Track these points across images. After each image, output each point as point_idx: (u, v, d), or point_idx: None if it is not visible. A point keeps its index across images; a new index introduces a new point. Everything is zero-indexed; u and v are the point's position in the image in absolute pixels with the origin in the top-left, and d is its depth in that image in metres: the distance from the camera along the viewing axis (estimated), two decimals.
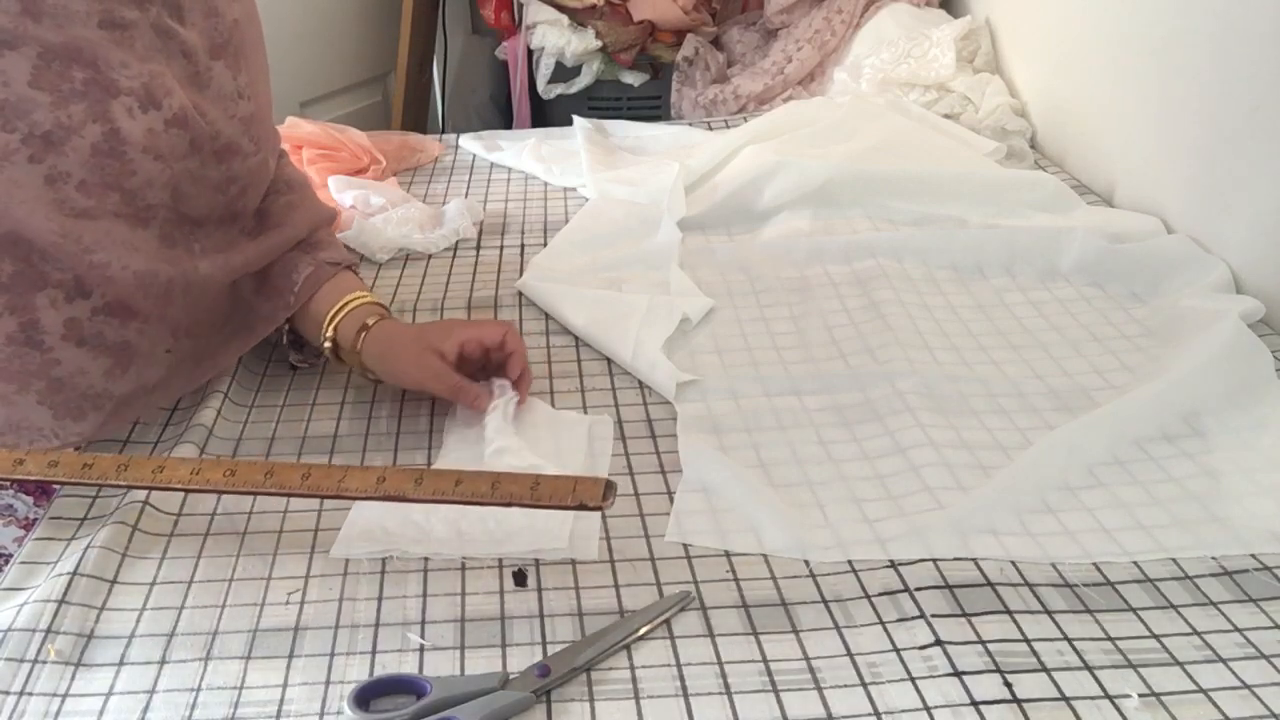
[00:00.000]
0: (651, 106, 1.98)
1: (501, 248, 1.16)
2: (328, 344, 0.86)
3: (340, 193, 1.21)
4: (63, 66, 0.69)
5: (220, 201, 0.82)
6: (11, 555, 0.77)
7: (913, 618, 0.64)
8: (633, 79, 1.97)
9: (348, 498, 0.69)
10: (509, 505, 0.67)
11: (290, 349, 0.92)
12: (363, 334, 0.85)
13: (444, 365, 0.83)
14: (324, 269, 0.88)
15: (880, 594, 0.66)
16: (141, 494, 0.74)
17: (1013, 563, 0.68)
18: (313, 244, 0.90)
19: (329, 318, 0.86)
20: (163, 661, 0.62)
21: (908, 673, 0.60)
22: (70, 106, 0.69)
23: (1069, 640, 0.62)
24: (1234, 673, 0.60)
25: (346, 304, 0.86)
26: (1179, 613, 0.64)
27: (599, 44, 1.90)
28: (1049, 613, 0.64)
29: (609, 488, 0.66)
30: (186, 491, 0.72)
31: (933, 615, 0.64)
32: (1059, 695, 0.58)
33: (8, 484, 0.80)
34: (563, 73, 1.95)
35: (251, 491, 0.70)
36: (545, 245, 1.15)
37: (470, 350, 0.84)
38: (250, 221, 0.86)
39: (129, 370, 0.79)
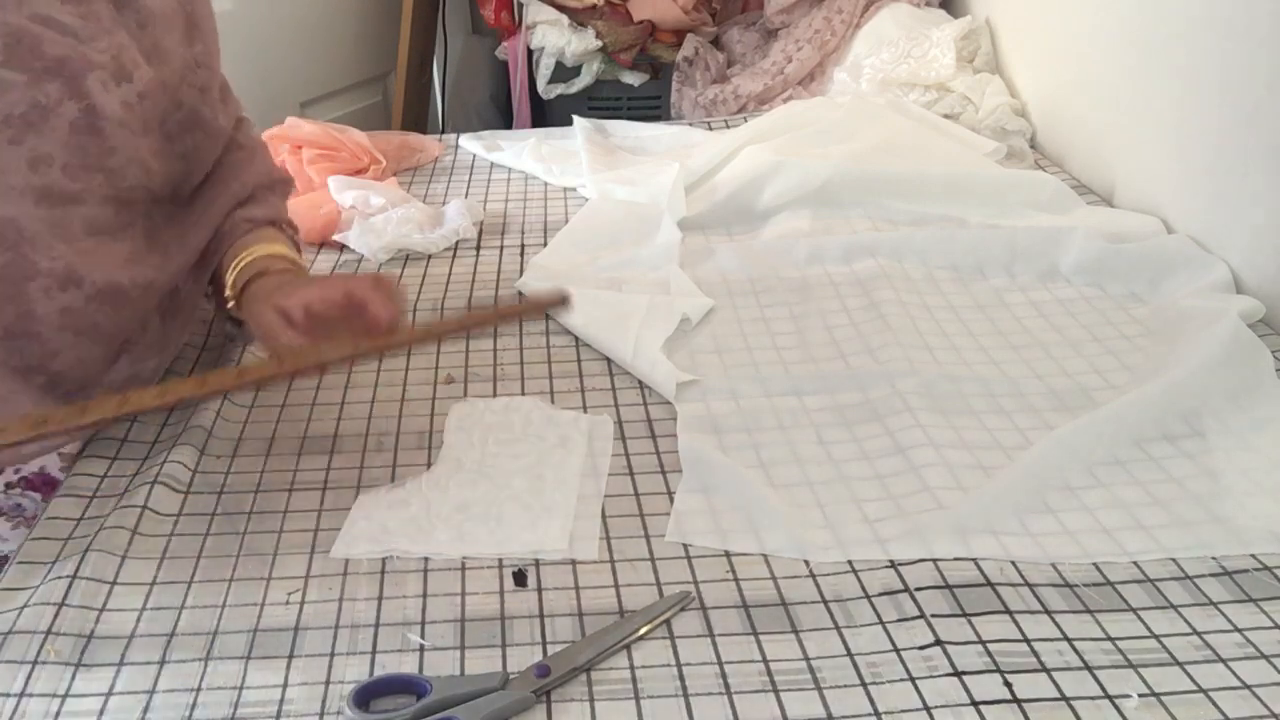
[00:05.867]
0: (651, 106, 1.98)
1: (501, 248, 1.16)
2: (230, 302, 0.81)
3: (340, 193, 1.21)
4: (33, 44, 0.68)
5: (182, 172, 0.81)
6: None
7: (913, 618, 0.64)
8: (633, 79, 1.97)
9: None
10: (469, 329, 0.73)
11: (228, 322, 0.88)
12: (249, 286, 0.79)
13: (279, 322, 0.73)
14: (239, 225, 0.83)
15: (880, 594, 0.66)
16: (140, 496, 0.74)
17: (1013, 563, 0.68)
18: (244, 202, 0.85)
19: (230, 270, 0.81)
20: (163, 661, 0.62)
21: (908, 673, 0.60)
22: (45, 85, 0.68)
23: (1069, 640, 0.62)
24: (1234, 673, 0.60)
25: (249, 255, 0.80)
26: (1179, 613, 0.64)
27: (599, 44, 1.90)
28: (1049, 613, 0.64)
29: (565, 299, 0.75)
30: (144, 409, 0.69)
31: (933, 615, 0.64)
32: (1059, 695, 0.58)
33: (16, 483, 0.80)
34: (563, 73, 1.95)
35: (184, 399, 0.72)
36: (545, 245, 1.15)
37: (321, 309, 0.73)
38: (201, 196, 0.84)
39: (121, 359, 0.79)
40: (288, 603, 0.66)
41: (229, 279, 0.81)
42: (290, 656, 0.62)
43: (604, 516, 0.73)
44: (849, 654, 0.62)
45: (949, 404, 0.84)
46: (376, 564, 0.70)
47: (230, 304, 0.82)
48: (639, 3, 1.89)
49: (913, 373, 0.87)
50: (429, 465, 0.80)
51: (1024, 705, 0.57)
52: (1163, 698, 0.58)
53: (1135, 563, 0.68)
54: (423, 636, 0.64)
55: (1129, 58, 1.18)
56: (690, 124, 1.53)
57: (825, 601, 0.66)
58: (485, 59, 2.24)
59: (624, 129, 1.47)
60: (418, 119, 2.18)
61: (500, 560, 0.70)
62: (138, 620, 0.65)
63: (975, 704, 0.57)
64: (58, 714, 0.58)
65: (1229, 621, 0.63)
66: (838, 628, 0.64)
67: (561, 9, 1.90)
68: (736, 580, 0.68)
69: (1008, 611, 0.64)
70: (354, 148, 1.32)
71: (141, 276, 0.77)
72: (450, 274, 1.10)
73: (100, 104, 0.70)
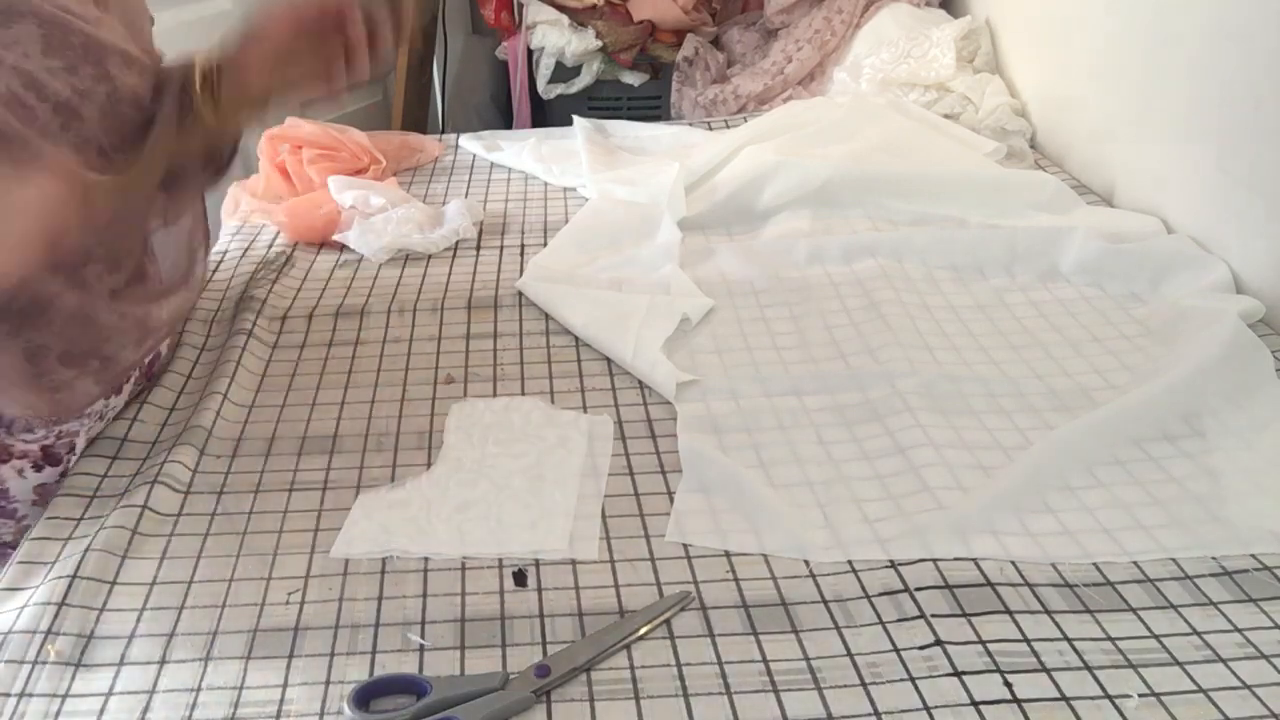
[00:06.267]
0: (651, 106, 1.98)
1: (501, 248, 1.16)
2: (200, 93, 0.76)
3: (340, 193, 1.21)
4: (65, 31, 0.69)
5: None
6: None
7: (913, 618, 0.64)
8: (633, 79, 1.97)
9: None
10: None
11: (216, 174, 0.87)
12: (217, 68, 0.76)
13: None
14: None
15: (880, 594, 0.66)
16: (140, 496, 0.74)
17: (1013, 563, 0.68)
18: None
19: (195, 72, 0.77)
20: (163, 661, 0.62)
21: (908, 673, 0.60)
22: (81, 70, 0.69)
23: (1069, 640, 0.62)
24: (1234, 673, 0.60)
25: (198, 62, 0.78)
26: (1179, 613, 0.64)
27: (599, 44, 1.90)
28: (1049, 613, 0.64)
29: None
30: None
31: (933, 615, 0.64)
32: (1059, 695, 0.58)
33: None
34: (563, 73, 1.95)
35: None
36: (545, 245, 1.15)
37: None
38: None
39: (147, 340, 0.81)
40: (288, 603, 0.66)
41: (199, 93, 0.77)
42: (290, 656, 0.62)
43: (604, 516, 0.73)
44: (849, 654, 0.61)
45: (949, 404, 0.84)
46: (376, 564, 0.70)
47: (208, 106, 0.77)
48: (639, 3, 1.89)
49: (913, 373, 0.87)
50: (429, 465, 0.80)
51: (1024, 705, 0.57)
52: (1163, 698, 0.58)
53: (1135, 563, 0.68)
54: (423, 636, 0.64)
55: (1129, 57, 1.18)
56: (690, 124, 1.53)
57: (825, 601, 0.66)
58: (485, 59, 2.24)
59: (624, 129, 1.47)
60: (418, 119, 2.18)
61: (500, 560, 0.70)
62: (138, 620, 0.65)
63: (975, 704, 0.57)
64: (58, 714, 0.58)
65: (1229, 621, 0.63)
66: (838, 628, 0.64)
67: (561, 9, 1.90)
68: (736, 580, 0.68)
69: (1008, 611, 0.64)
70: (354, 148, 1.32)
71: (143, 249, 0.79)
72: (450, 274, 1.10)
73: (121, 85, 0.72)
